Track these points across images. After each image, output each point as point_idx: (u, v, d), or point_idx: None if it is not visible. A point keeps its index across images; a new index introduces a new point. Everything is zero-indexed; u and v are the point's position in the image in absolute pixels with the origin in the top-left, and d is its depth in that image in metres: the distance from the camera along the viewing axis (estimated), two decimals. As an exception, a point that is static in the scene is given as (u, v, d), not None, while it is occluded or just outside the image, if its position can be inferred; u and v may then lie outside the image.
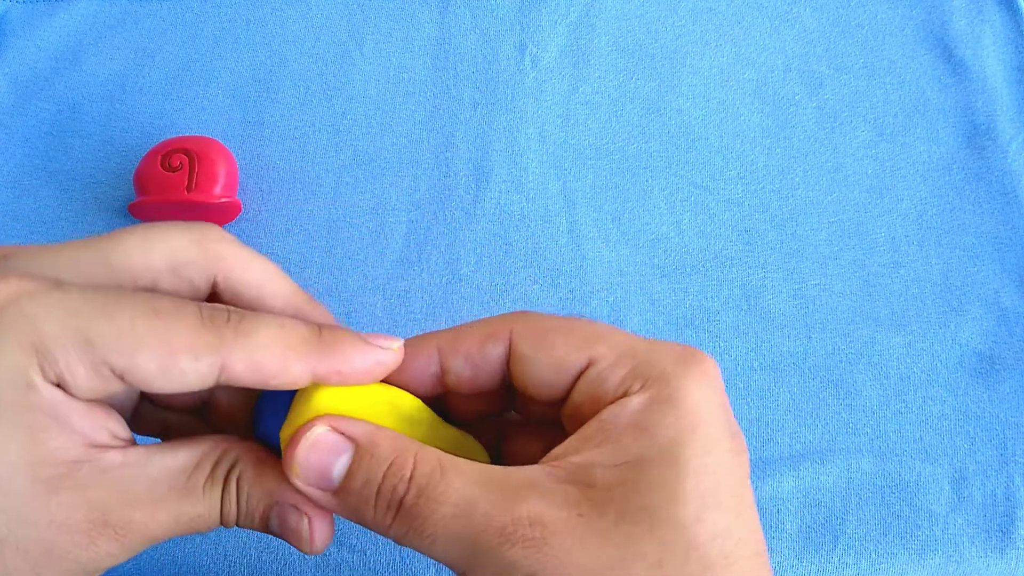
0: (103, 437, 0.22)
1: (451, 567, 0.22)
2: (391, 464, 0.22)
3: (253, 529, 0.24)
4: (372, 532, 0.38)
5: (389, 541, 0.38)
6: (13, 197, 0.45)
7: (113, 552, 0.22)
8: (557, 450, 0.23)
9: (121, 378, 0.21)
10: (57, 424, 0.21)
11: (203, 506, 0.23)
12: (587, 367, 0.23)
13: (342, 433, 0.23)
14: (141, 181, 0.43)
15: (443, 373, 0.25)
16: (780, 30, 0.51)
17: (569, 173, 0.46)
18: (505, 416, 0.28)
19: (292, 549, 0.38)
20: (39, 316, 0.21)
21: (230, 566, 0.38)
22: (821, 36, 0.50)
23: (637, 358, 0.23)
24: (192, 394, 0.26)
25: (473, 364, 0.24)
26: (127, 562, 0.38)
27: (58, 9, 0.50)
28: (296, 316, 0.24)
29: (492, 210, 0.45)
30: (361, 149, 0.47)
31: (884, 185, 0.47)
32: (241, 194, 0.45)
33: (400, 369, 0.25)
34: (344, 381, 0.23)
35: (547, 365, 0.24)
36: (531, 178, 0.46)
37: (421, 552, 0.22)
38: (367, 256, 0.44)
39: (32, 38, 0.49)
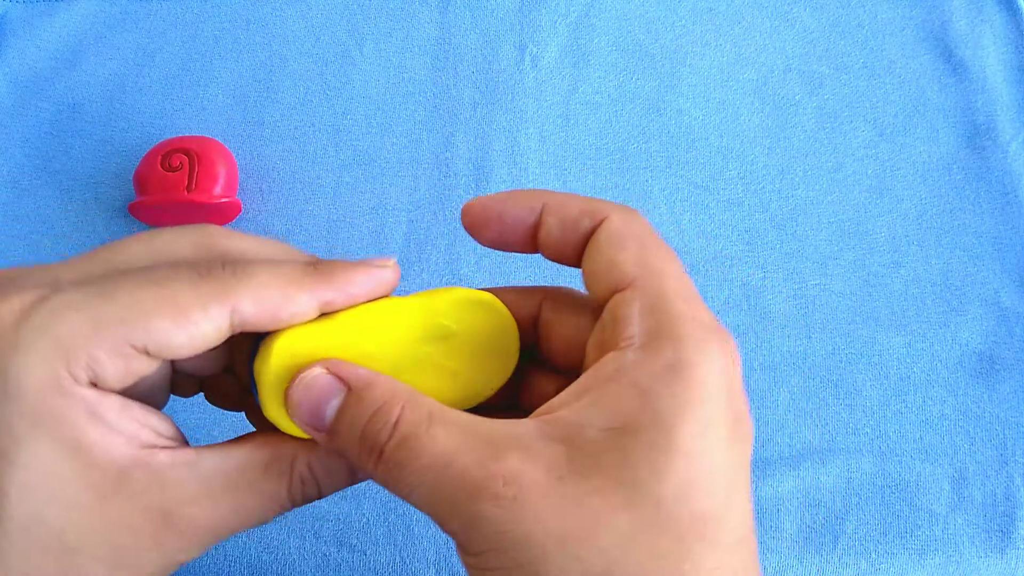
0: (148, 436, 0.22)
1: (432, 518, 0.22)
2: (378, 410, 0.22)
3: (335, 492, 0.25)
4: (372, 532, 0.38)
5: (389, 541, 0.38)
6: (13, 197, 0.45)
7: (182, 548, 0.22)
8: (554, 400, 0.22)
9: (145, 352, 0.21)
10: (98, 426, 0.21)
11: (264, 496, 0.23)
12: (626, 287, 0.23)
13: (337, 376, 0.23)
14: (141, 181, 0.43)
15: (538, 226, 0.25)
16: (780, 30, 0.51)
17: (569, 173, 0.46)
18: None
19: (292, 548, 0.38)
20: (50, 323, 0.21)
21: (230, 566, 0.38)
22: (821, 36, 0.50)
23: (664, 307, 0.22)
24: (216, 352, 0.26)
25: (564, 227, 0.25)
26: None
27: (58, 9, 0.50)
28: None
29: (492, 210, 0.45)
30: (361, 149, 0.47)
31: (884, 185, 0.47)
32: (241, 194, 0.45)
33: (503, 212, 0.25)
34: (350, 302, 0.24)
35: (606, 263, 0.23)
36: (531, 178, 0.46)
37: (406, 501, 0.22)
38: (367, 256, 0.44)
39: (32, 38, 0.49)
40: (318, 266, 0.24)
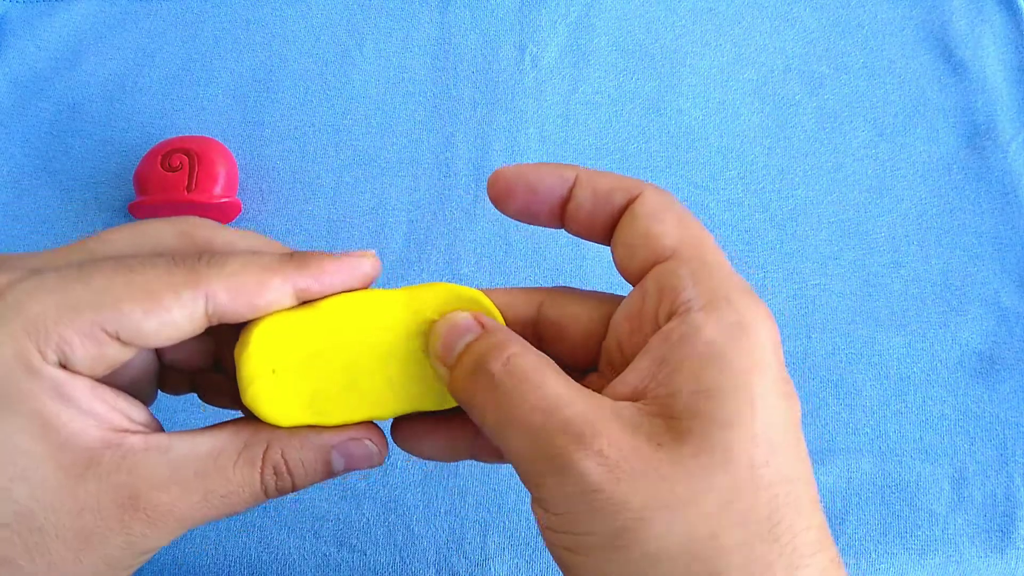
0: (119, 420, 0.22)
1: (518, 467, 0.22)
2: (497, 343, 0.23)
3: (309, 486, 0.25)
4: (372, 532, 0.38)
5: (389, 541, 0.38)
6: (13, 197, 0.45)
7: (149, 534, 0.22)
8: (632, 378, 0.23)
9: (117, 337, 0.21)
10: (68, 407, 0.21)
11: (235, 484, 0.23)
12: (668, 258, 0.24)
13: (477, 320, 0.24)
14: (141, 181, 0.43)
15: (568, 199, 0.26)
16: (780, 30, 0.51)
17: (569, 173, 0.46)
18: None
19: (292, 548, 0.38)
20: (23, 302, 0.21)
21: (230, 566, 0.38)
22: (821, 36, 0.50)
23: (711, 274, 0.23)
24: (202, 346, 0.26)
25: (595, 200, 0.25)
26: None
27: (58, 9, 0.50)
28: None
29: (492, 210, 0.45)
30: (361, 149, 0.47)
31: (884, 185, 0.47)
32: (241, 194, 0.45)
33: (535, 181, 0.26)
34: (327, 290, 0.24)
35: (643, 236, 0.24)
36: (531, 178, 0.46)
37: (498, 443, 0.22)
38: (367, 256, 0.44)
39: (32, 38, 0.49)
40: (293, 255, 0.24)
